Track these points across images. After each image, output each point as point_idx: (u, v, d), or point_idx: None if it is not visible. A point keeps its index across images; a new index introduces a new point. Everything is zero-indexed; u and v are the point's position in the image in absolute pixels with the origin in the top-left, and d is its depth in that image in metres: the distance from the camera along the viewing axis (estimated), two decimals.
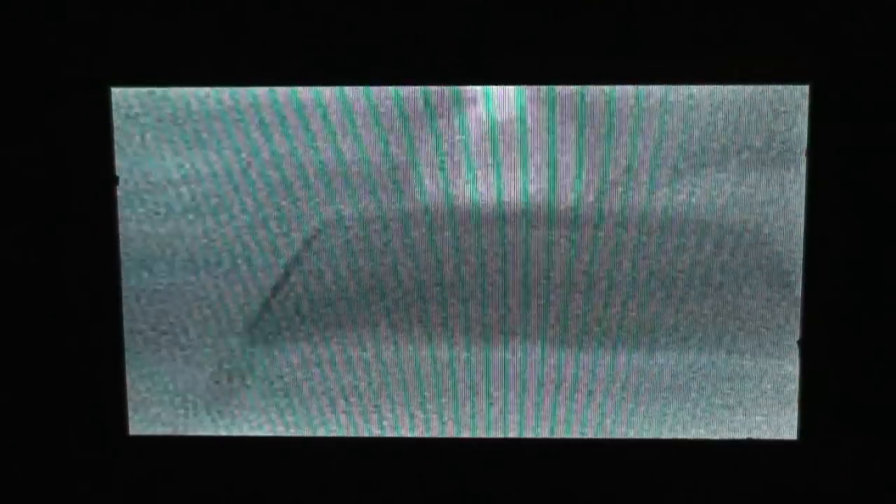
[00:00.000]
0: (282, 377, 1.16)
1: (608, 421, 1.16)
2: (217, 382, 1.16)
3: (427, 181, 1.11)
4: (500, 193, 1.11)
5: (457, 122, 1.10)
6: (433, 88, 1.09)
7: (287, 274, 1.13)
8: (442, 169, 1.10)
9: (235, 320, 1.15)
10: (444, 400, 1.16)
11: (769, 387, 1.14)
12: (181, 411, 1.18)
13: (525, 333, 1.14)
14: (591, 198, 1.10)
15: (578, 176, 1.10)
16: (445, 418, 1.17)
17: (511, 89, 1.09)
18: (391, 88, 1.10)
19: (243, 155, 1.12)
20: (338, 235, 1.12)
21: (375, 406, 1.17)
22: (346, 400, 1.17)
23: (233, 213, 1.13)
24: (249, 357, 1.16)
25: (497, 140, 1.10)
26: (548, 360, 1.14)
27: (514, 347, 1.14)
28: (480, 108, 1.10)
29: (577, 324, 1.13)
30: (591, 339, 1.13)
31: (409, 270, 1.13)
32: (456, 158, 1.10)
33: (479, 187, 1.10)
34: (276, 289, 1.14)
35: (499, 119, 1.10)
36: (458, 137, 1.09)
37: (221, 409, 1.17)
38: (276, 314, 1.15)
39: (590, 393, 1.15)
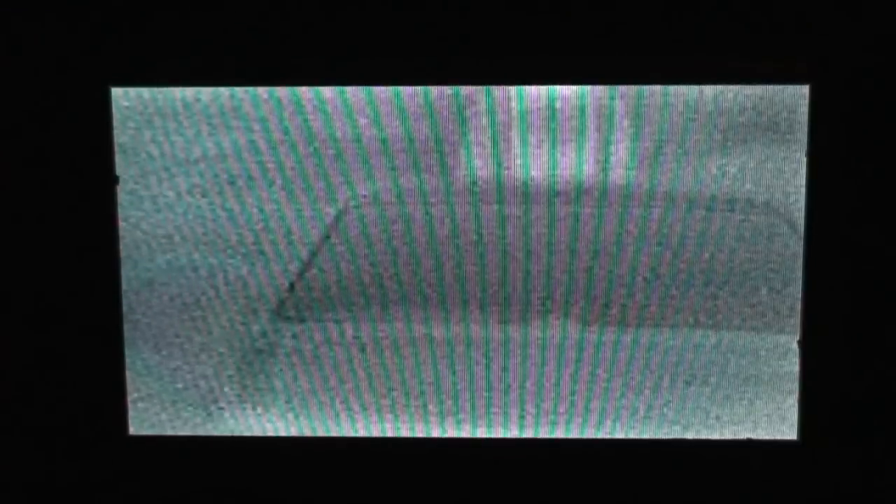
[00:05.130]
0: (306, 361, 1.16)
1: (608, 420, 1.16)
2: (244, 364, 1.16)
3: (475, 158, 1.09)
4: (554, 169, 1.09)
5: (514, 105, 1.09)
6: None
7: (314, 253, 1.12)
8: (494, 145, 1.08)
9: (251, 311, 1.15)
10: (483, 388, 1.15)
11: (769, 385, 1.14)
12: (181, 411, 1.18)
13: (568, 313, 1.13)
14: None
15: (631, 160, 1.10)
16: (484, 409, 1.16)
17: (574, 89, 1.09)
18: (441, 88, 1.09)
19: (273, 132, 1.11)
20: (374, 212, 1.11)
21: (398, 400, 1.16)
22: (365, 393, 1.16)
23: (245, 207, 1.13)
24: (275, 336, 1.16)
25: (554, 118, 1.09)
26: (594, 342, 1.14)
27: (558, 328, 1.13)
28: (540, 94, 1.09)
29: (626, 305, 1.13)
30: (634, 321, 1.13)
31: (449, 250, 1.12)
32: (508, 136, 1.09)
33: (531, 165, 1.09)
34: (303, 268, 1.13)
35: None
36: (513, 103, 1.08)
37: (250, 388, 1.17)
38: (303, 294, 1.14)
39: (590, 388, 1.15)
